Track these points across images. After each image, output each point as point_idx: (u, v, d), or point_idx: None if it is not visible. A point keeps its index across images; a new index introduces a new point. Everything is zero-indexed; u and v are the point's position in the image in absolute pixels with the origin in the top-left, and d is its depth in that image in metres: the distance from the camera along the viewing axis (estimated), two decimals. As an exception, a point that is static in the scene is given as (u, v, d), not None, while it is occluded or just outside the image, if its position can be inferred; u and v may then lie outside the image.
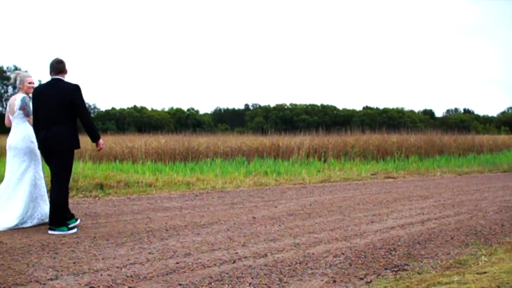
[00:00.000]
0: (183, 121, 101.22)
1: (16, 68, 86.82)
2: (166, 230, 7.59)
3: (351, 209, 9.89)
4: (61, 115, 7.41)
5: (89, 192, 11.31)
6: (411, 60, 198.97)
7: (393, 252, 6.46)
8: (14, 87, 8.90)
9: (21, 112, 7.90)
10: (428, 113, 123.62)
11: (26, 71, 8.48)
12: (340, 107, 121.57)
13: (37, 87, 7.82)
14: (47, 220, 7.74)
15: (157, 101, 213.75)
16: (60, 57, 7.77)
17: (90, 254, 6.08)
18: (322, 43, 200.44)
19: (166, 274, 5.30)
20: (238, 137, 28.24)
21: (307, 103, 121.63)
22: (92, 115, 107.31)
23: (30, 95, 7.93)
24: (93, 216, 8.64)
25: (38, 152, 7.87)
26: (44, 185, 8.00)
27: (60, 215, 7.38)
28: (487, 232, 7.89)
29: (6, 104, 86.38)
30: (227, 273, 5.36)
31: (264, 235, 7.36)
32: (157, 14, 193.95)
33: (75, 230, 7.45)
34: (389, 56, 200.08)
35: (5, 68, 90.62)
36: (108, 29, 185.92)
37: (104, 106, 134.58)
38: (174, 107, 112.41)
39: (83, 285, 4.87)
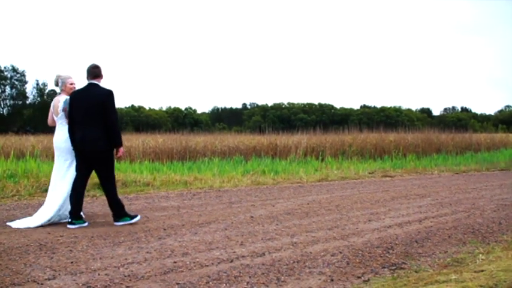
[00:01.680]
0: (180, 120, 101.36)
1: (13, 69, 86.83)
2: (164, 230, 7.59)
3: (349, 208, 9.89)
4: (95, 118, 7.81)
5: (86, 192, 11.23)
6: (409, 59, 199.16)
7: (391, 251, 6.46)
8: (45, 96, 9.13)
9: (64, 113, 8.19)
10: (426, 112, 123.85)
11: (54, 73, 8.64)
12: (337, 105, 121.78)
13: (74, 91, 8.15)
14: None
15: (155, 100, 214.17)
16: (96, 63, 8.15)
17: (88, 254, 6.07)
18: (319, 42, 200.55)
19: (164, 273, 5.30)
20: (236, 136, 28.26)
21: (305, 102, 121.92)
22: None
23: None
24: (90, 216, 8.64)
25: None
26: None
27: (119, 208, 8.01)
28: (485, 230, 7.90)
29: (3, 104, 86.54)
30: (225, 273, 5.36)
31: (261, 234, 7.36)
32: (155, 13, 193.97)
33: (138, 218, 8.17)
34: (387, 54, 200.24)
35: (2, 68, 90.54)
36: (106, 28, 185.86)
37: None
38: (172, 106, 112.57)
39: (80, 284, 4.87)
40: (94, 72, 8.06)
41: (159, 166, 17.20)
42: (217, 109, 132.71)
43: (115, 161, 8.40)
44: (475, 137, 32.09)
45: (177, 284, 4.95)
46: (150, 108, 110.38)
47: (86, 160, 7.93)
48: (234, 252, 6.28)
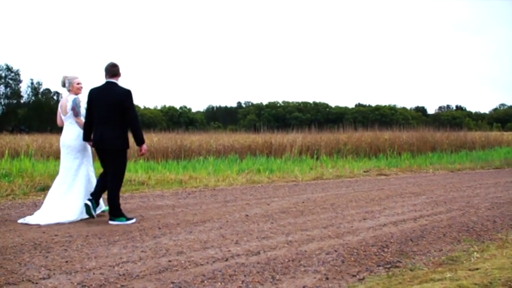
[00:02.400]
0: (175, 119, 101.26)
1: (8, 68, 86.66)
2: (159, 228, 7.58)
3: (344, 206, 9.90)
4: (113, 117, 7.98)
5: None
6: (404, 57, 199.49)
7: (386, 249, 6.47)
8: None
9: (73, 112, 8.43)
10: (421, 110, 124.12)
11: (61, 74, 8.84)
12: (332, 104, 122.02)
13: (92, 90, 8.25)
14: (99, 212, 8.46)
15: (150, 99, 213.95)
16: (114, 61, 8.33)
17: (83, 253, 6.06)
18: (314, 41, 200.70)
19: (159, 272, 5.29)
20: (231, 135, 28.24)
21: (300, 101, 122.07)
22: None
23: (80, 95, 8.58)
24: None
25: (89, 149, 8.57)
26: (95, 180, 8.52)
27: (115, 207, 8.05)
28: (479, 228, 7.91)
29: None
30: (220, 271, 5.36)
31: (256, 233, 7.36)
32: (150, 12, 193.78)
33: (133, 221, 8.11)
34: (382, 53, 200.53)
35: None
36: (100, 27, 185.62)
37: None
38: (167, 105, 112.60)
39: (75, 284, 4.86)
40: (112, 71, 8.22)
41: (154, 165, 17.18)
42: (212, 108, 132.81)
43: (127, 159, 8.59)
44: (470, 135, 32.12)
45: (172, 283, 4.95)
46: (144, 107, 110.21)
47: (105, 157, 8.18)
48: (229, 251, 6.28)
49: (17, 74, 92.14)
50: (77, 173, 8.37)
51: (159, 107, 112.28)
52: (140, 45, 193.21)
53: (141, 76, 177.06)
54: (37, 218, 7.99)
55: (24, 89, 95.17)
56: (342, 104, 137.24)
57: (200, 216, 8.65)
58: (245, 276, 5.23)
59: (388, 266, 5.72)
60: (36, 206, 9.32)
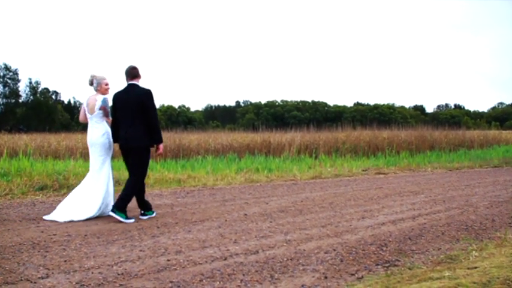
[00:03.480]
0: (174, 118, 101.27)
1: (6, 67, 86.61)
2: (158, 228, 7.58)
3: (342, 205, 9.90)
4: (136, 117, 8.29)
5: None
6: (402, 56, 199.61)
7: (384, 248, 6.47)
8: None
9: (100, 112, 8.64)
10: (419, 109, 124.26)
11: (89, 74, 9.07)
12: (331, 103, 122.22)
13: (116, 93, 8.56)
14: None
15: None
16: (134, 64, 8.60)
17: (81, 252, 6.06)
18: (313, 40, 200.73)
19: (158, 271, 5.29)
20: (230, 134, 28.26)
21: (298, 100, 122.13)
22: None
23: (107, 95, 8.78)
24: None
25: (112, 147, 8.81)
26: (111, 178, 8.76)
27: (125, 202, 8.19)
28: (478, 227, 7.91)
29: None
30: (218, 270, 5.36)
31: (255, 232, 7.36)
32: (149, 12, 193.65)
33: (132, 221, 8.17)
34: (380, 52, 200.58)
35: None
36: (98, 27, 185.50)
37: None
38: (165, 104, 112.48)
39: (74, 283, 4.85)
40: (133, 73, 8.51)
41: (152, 164, 17.11)
42: (211, 107, 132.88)
43: (150, 159, 8.91)
44: (468, 134, 32.14)
45: (171, 282, 4.95)
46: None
47: (128, 156, 8.45)
48: (228, 250, 6.28)
49: (16, 73, 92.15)
50: (100, 170, 8.59)
51: (157, 106, 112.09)
52: (139, 44, 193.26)
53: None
54: (59, 214, 8.28)
55: (23, 88, 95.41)
56: (340, 103, 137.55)
57: (199, 216, 8.65)
58: (244, 275, 5.23)
59: (386, 265, 5.72)
60: (35, 205, 9.33)
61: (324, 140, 23.82)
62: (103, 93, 8.75)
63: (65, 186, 11.33)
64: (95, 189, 8.50)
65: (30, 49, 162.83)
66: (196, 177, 13.98)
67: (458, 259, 5.86)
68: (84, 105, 8.84)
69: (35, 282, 4.87)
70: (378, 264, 5.75)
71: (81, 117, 8.98)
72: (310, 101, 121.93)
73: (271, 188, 12.74)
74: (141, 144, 8.32)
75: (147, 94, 8.37)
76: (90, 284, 4.83)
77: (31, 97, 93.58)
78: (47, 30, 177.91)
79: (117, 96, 8.50)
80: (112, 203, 8.48)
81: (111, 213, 8.07)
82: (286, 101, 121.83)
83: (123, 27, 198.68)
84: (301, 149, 22.50)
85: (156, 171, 14.81)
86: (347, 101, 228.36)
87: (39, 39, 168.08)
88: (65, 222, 8.00)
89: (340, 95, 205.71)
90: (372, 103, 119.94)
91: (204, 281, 5.01)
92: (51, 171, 12.34)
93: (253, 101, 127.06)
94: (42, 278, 5.03)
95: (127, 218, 8.17)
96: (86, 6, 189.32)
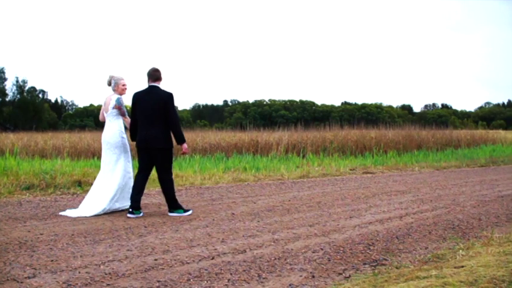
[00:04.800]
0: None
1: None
2: (145, 227, 7.57)
3: (330, 205, 9.91)
4: (157, 118, 8.54)
5: (67, 190, 11.23)
6: (390, 56, 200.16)
7: (372, 247, 6.48)
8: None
9: (114, 111, 8.97)
10: (407, 108, 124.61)
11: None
12: (318, 102, 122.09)
13: (136, 93, 8.83)
14: (124, 207, 8.91)
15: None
16: (156, 67, 8.86)
17: (68, 252, 6.03)
18: (300, 39, 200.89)
19: (145, 271, 5.28)
20: (217, 133, 28.20)
21: (286, 99, 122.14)
22: (70, 112, 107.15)
23: (123, 96, 9.16)
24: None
25: (128, 146, 9.08)
26: (132, 176, 9.08)
27: (173, 200, 8.76)
28: (465, 226, 7.95)
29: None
30: (206, 270, 5.35)
31: (242, 231, 7.36)
32: (135, 10, 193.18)
33: (190, 212, 8.84)
34: (368, 52, 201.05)
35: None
36: (87, 26, 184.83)
37: (82, 103, 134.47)
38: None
39: (60, 283, 4.83)
40: (155, 75, 8.77)
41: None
42: (199, 106, 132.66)
43: (173, 157, 9.32)
44: (456, 133, 32.25)
45: (158, 281, 4.94)
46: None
47: (147, 156, 8.69)
48: (215, 249, 6.27)
49: (2, 72, 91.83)
50: (114, 167, 8.86)
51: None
52: (125, 43, 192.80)
53: (126, 74, 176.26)
54: (78, 211, 8.60)
55: (9, 87, 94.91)
56: (328, 102, 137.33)
57: (186, 215, 8.64)
58: (231, 274, 5.23)
59: (374, 264, 5.73)
60: (21, 204, 9.29)
61: (312, 139, 23.82)
62: (120, 93, 9.07)
63: (51, 186, 11.28)
64: (107, 186, 8.77)
65: (17, 47, 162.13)
66: (183, 177, 13.94)
67: (445, 258, 5.88)
68: (102, 105, 9.24)
69: (21, 282, 4.85)
70: (365, 264, 5.76)
71: (100, 116, 9.32)
72: (298, 100, 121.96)
73: (259, 187, 12.74)
74: (162, 146, 8.55)
75: (170, 97, 8.60)
76: (77, 284, 4.81)
77: (18, 96, 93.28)
78: (34, 29, 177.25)
79: (138, 97, 8.75)
80: (127, 199, 8.81)
81: (170, 214, 8.65)
82: (274, 100, 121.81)
83: (110, 25, 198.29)
84: (288, 148, 22.51)
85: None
86: (335, 100, 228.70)
87: (26, 37, 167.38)
88: (77, 217, 8.30)
89: (327, 95, 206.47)
90: (359, 102, 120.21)
91: (191, 280, 5.01)
92: (38, 170, 12.28)
93: (241, 100, 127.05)
94: (29, 277, 5.00)
95: (185, 211, 8.77)
96: (71, 4, 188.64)
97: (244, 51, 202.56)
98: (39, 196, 10.49)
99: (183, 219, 8.26)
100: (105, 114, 9.08)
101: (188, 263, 5.62)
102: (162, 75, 8.87)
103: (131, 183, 8.93)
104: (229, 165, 17.26)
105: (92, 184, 9.65)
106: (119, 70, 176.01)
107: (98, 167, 14.35)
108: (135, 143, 8.88)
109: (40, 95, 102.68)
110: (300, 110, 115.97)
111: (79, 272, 5.19)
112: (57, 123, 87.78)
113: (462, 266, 5.11)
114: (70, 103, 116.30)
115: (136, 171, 8.96)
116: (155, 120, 8.51)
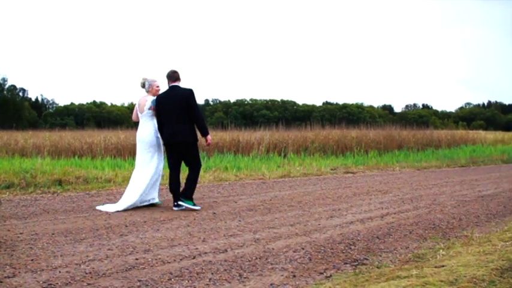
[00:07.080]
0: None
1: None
2: (126, 226, 7.54)
3: (311, 204, 9.93)
4: (181, 115, 9.15)
5: (47, 189, 11.17)
6: (371, 56, 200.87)
7: (352, 247, 6.50)
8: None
9: (150, 111, 9.45)
10: (388, 109, 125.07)
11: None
12: (300, 102, 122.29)
13: (159, 95, 9.41)
14: (153, 200, 9.54)
15: (117, 96, 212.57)
16: (175, 68, 9.46)
17: (49, 251, 6.00)
18: (281, 39, 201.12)
19: (126, 270, 5.26)
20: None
21: (267, 98, 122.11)
22: (50, 110, 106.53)
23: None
24: (51, 213, 8.55)
25: (162, 145, 9.58)
26: (161, 174, 9.66)
27: (191, 191, 9.29)
28: (445, 226, 8.00)
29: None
30: (187, 269, 5.34)
31: (224, 230, 7.36)
32: (116, 9, 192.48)
33: (199, 208, 9.25)
34: (349, 52, 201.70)
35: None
36: (68, 24, 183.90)
37: (62, 101, 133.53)
38: (134, 102, 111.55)
39: (41, 282, 4.80)
40: (174, 76, 9.36)
41: (120, 162, 17.04)
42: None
43: (199, 150, 9.92)
44: (436, 133, 32.40)
45: (139, 281, 4.92)
46: (112, 104, 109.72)
47: (175, 152, 9.31)
48: (196, 248, 6.27)
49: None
50: (148, 164, 9.37)
51: (126, 104, 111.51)
52: (107, 42, 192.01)
53: (108, 73, 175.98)
54: (115, 205, 9.15)
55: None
56: (309, 102, 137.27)
57: (167, 214, 8.63)
58: (212, 274, 5.22)
59: (354, 264, 5.75)
60: (1, 203, 9.20)
61: (293, 138, 23.80)
62: (154, 95, 9.52)
63: (32, 185, 11.21)
64: (139, 181, 9.28)
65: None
66: (164, 176, 13.90)
67: (425, 258, 5.91)
68: (136, 106, 9.71)
69: (1, 282, 4.81)
70: (346, 263, 5.78)
71: (133, 117, 9.82)
72: (279, 99, 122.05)
73: (240, 187, 12.74)
74: (189, 139, 9.21)
75: (191, 92, 9.21)
76: (57, 283, 4.79)
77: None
78: (13, 27, 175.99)
79: (161, 98, 9.30)
80: (156, 194, 9.54)
81: (180, 203, 9.16)
82: (256, 100, 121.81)
83: (91, 25, 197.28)
84: (270, 147, 22.47)
85: (124, 169, 14.71)
86: (316, 100, 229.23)
87: (5, 35, 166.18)
88: (112, 212, 8.81)
89: (309, 94, 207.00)
90: (340, 102, 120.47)
91: (172, 279, 5.00)
92: (18, 169, 12.21)
93: (222, 100, 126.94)
94: (9, 277, 4.96)
95: (194, 205, 9.22)
96: (51, 2, 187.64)
97: (226, 51, 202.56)
98: (19, 195, 10.42)
99: (164, 218, 8.24)
100: (139, 115, 9.54)
101: (169, 263, 5.61)
102: (181, 76, 9.41)
103: (160, 179, 9.60)
104: (210, 164, 17.22)
105: (73, 183, 9.70)
106: (92, 69, 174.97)
107: (79, 166, 14.38)
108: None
109: (20, 94, 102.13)
110: (281, 110, 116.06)
111: (59, 272, 5.16)
112: (37, 122, 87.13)
113: (443, 266, 5.14)
114: (50, 102, 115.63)
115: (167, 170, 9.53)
116: (179, 116, 9.09)
